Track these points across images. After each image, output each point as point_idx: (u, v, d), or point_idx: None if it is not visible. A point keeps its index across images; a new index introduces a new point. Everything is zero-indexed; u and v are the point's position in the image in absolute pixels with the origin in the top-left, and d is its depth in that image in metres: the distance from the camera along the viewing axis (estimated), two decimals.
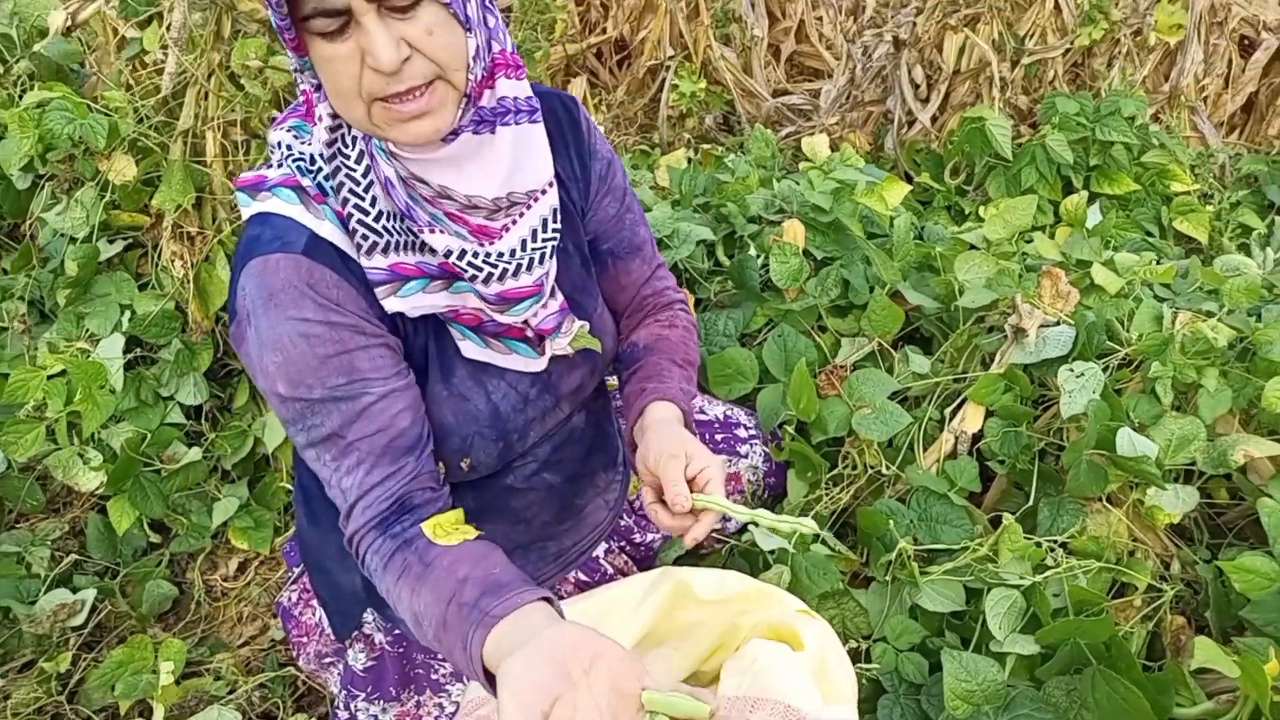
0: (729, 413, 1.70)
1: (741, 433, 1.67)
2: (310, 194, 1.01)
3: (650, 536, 1.60)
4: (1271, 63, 2.92)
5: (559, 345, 1.17)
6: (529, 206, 1.08)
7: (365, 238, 1.01)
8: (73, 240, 1.86)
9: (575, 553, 1.43)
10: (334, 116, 0.98)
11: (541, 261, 1.11)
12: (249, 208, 1.04)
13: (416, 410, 1.07)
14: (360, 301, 1.02)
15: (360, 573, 1.32)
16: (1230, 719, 1.24)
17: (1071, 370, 1.53)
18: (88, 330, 1.87)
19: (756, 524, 1.28)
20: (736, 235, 2.08)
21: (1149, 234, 2.43)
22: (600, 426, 1.40)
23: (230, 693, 1.66)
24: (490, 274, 1.05)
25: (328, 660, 1.52)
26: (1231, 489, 1.61)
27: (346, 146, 0.99)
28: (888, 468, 1.63)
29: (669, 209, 2.10)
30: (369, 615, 1.38)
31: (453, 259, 1.03)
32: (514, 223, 1.08)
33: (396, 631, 1.38)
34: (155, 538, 1.97)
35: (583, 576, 1.47)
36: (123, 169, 1.83)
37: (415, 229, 1.01)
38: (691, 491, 1.10)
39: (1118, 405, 1.51)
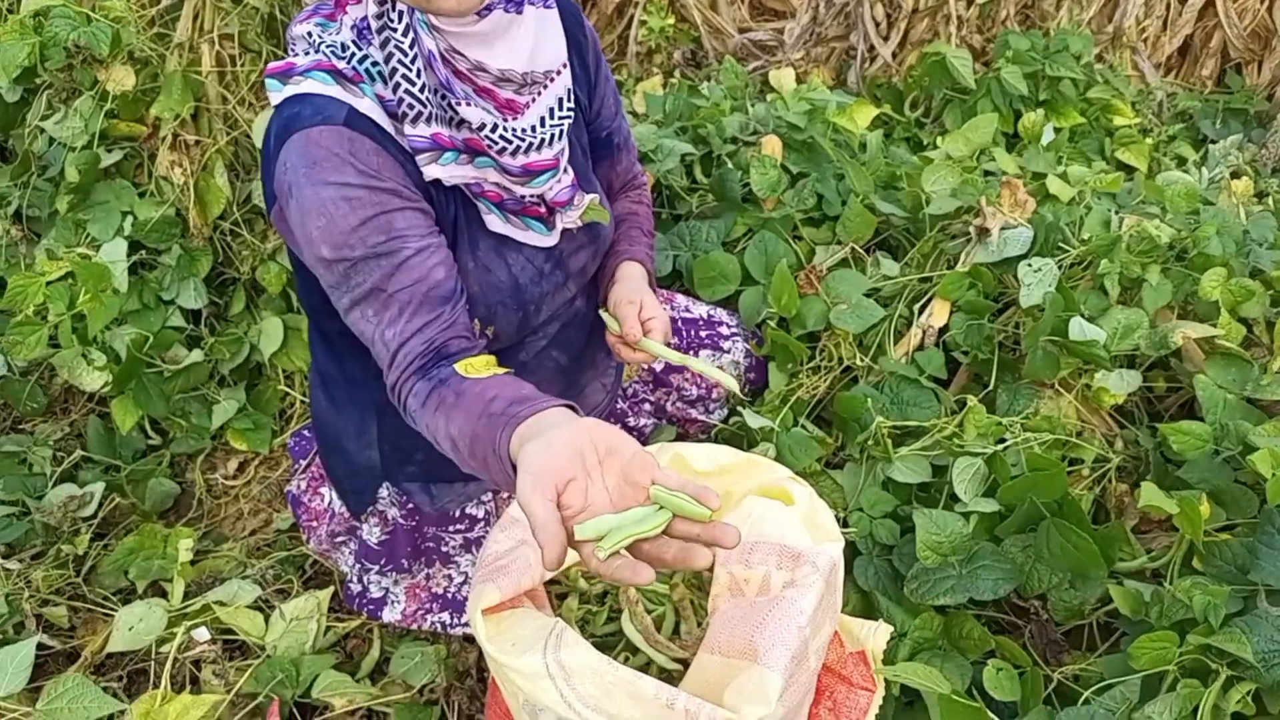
0: (712, 312, 1.82)
1: (724, 330, 1.79)
2: (347, 75, 1.08)
3: (643, 422, 1.72)
4: (1206, 7, 3.09)
5: (570, 218, 1.28)
6: (546, 86, 1.18)
7: (411, 106, 1.08)
8: (71, 149, 1.89)
9: (598, 413, 1.54)
10: None
11: (561, 137, 1.21)
12: (280, 92, 1.10)
13: (450, 266, 1.16)
14: (398, 170, 1.10)
15: (377, 449, 1.41)
16: (1168, 560, 1.41)
17: (1030, 265, 1.67)
18: (88, 236, 1.91)
19: (687, 366, 1.42)
20: (714, 154, 2.19)
21: (1092, 164, 2.59)
22: (599, 312, 1.51)
23: (242, 574, 1.75)
24: (517, 147, 1.15)
25: (340, 539, 1.62)
26: (1169, 377, 1.77)
27: (394, 21, 1.06)
28: (861, 359, 1.76)
29: (653, 128, 2.20)
30: (384, 491, 1.47)
31: (484, 132, 1.12)
32: (534, 99, 1.17)
33: (410, 505, 1.47)
34: (155, 439, 2.03)
35: None
36: (121, 79, 1.87)
37: (453, 102, 1.10)
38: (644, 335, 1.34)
39: (1071, 298, 1.66)
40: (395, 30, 1.07)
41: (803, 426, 1.69)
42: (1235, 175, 2.38)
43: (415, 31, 1.07)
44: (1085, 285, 1.74)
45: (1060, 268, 1.71)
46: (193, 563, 1.74)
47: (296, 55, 1.12)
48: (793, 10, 3.23)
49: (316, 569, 1.82)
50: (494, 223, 1.22)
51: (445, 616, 1.53)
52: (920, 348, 1.77)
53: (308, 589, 1.75)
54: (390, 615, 1.53)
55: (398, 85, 1.08)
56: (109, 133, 1.94)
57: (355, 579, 1.56)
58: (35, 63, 1.83)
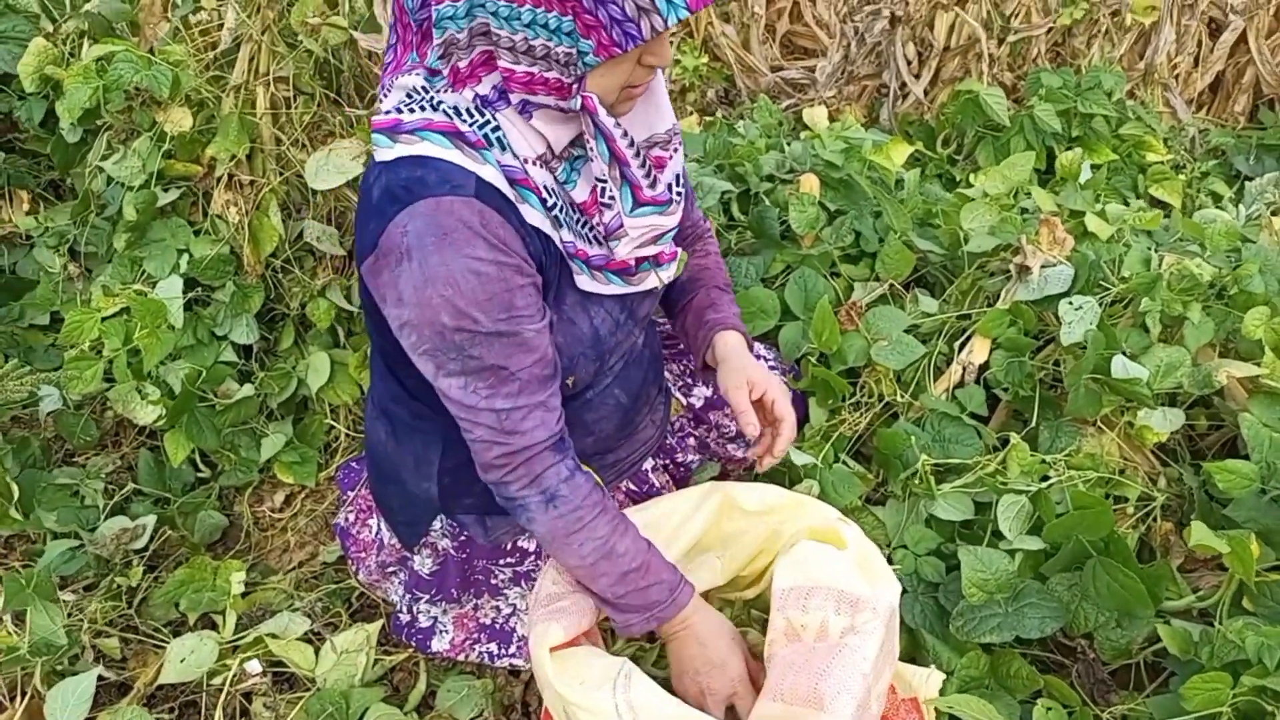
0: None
1: (765, 364, 1.81)
2: (469, 140, 1.10)
3: (690, 458, 1.74)
4: (1238, 44, 3.12)
5: (667, 274, 1.32)
6: (675, 148, 1.27)
7: (612, 197, 1.17)
8: (129, 188, 1.95)
9: (628, 464, 1.56)
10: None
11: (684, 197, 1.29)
12: (389, 150, 1.11)
13: (557, 341, 1.21)
14: (519, 244, 1.13)
15: (436, 482, 1.43)
16: (1216, 599, 1.40)
17: (1071, 303, 1.69)
18: (144, 273, 1.97)
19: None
20: (751, 192, 2.22)
21: (1127, 201, 2.60)
22: (654, 349, 1.55)
23: (292, 606, 1.77)
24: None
25: (390, 569, 1.64)
26: (1211, 415, 1.77)
27: (618, 129, 1.12)
28: (902, 396, 1.78)
29: (693, 165, 2.24)
30: (437, 523, 1.50)
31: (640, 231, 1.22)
32: (672, 155, 1.26)
33: (462, 537, 1.50)
34: (204, 472, 2.07)
35: (632, 486, 1.60)
36: (179, 120, 1.93)
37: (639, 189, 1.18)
38: (765, 409, 1.42)
39: (1112, 336, 1.67)
40: (619, 131, 1.12)
41: (844, 463, 1.71)
42: (1275, 212, 2.39)
43: (607, 140, 1.12)
44: (1126, 323, 1.75)
45: (1100, 305, 1.72)
46: (243, 595, 1.76)
47: (401, 111, 1.13)
48: (824, 49, 3.28)
49: (363, 601, 1.84)
50: (584, 281, 1.24)
51: (493, 647, 1.55)
52: (960, 384, 1.79)
53: (355, 621, 1.77)
54: (439, 645, 1.55)
55: (606, 184, 1.16)
56: (166, 172, 2.00)
57: (405, 609, 1.58)
58: (97, 104, 1.90)
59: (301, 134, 2.05)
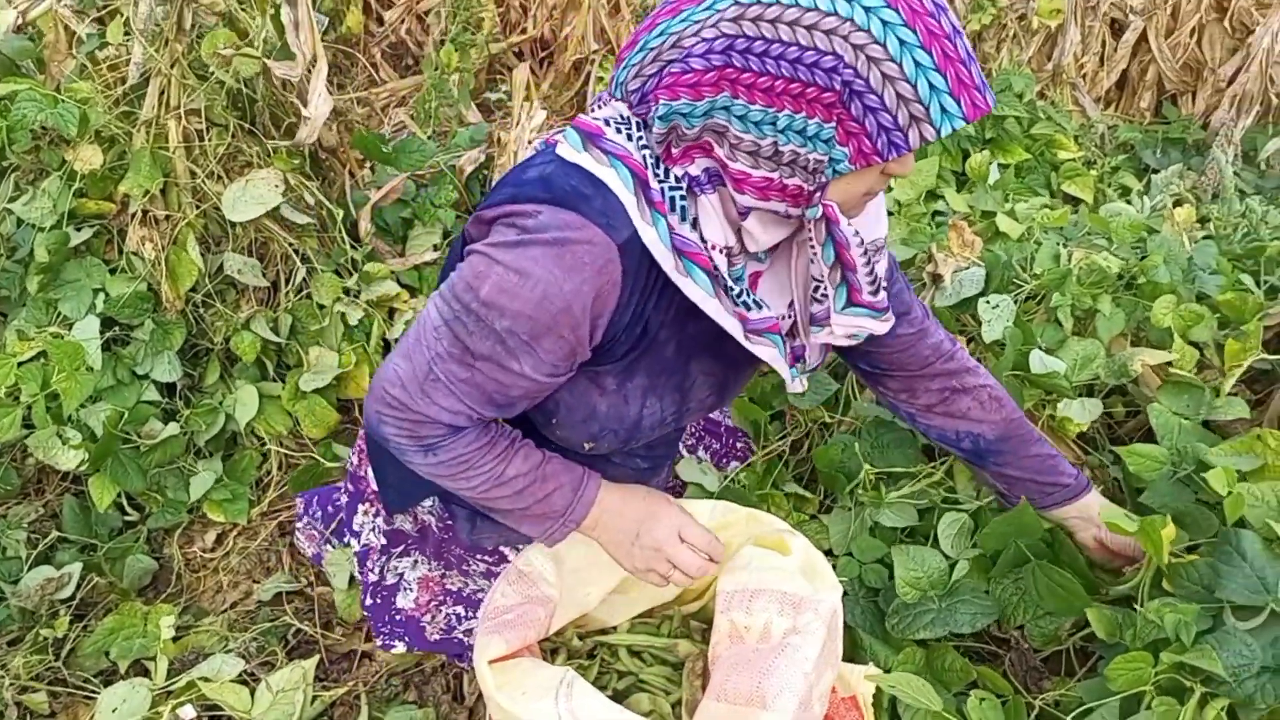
0: None
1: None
2: (652, 197, 1.06)
3: None
4: (1139, 42, 3.24)
5: (798, 383, 1.26)
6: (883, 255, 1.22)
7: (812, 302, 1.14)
8: (40, 229, 1.91)
9: None
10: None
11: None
12: (575, 153, 1.08)
13: (533, 398, 1.16)
14: (608, 311, 1.10)
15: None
16: (1137, 582, 1.44)
17: (988, 302, 1.73)
18: (60, 315, 1.92)
19: None
20: None
21: (1040, 195, 2.68)
22: (680, 430, 1.55)
23: (225, 647, 1.74)
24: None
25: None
26: (1127, 402, 1.83)
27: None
28: (831, 416, 1.80)
29: None
30: (428, 502, 1.47)
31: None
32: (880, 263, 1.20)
33: (448, 522, 1.47)
34: (131, 515, 2.02)
35: None
36: (89, 158, 1.89)
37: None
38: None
39: (1029, 332, 1.72)
40: (817, 247, 1.08)
41: (780, 489, 1.73)
42: (1178, 203, 2.48)
43: (837, 240, 1.08)
44: (1041, 319, 1.80)
45: (1016, 302, 1.77)
46: (174, 639, 1.72)
47: (609, 124, 1.08)
48: None
49: (300, 638, 1.81)
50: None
51: (459, 610, 1.54)
52: None
53: (292, 659, 1.74)
54: (403, 601, 1.54)
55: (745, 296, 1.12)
56: (78, 211, 1.95)
57: (375, 569, 1.57)
58: (2, 146, 1.85)
59: (217, 166, 2.02)
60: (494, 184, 1.19)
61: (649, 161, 1.06)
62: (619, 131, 1.08)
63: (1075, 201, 2.73)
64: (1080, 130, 3.06)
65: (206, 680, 1.58)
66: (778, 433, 1.84)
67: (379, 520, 1.60)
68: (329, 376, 2.11)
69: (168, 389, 2.06)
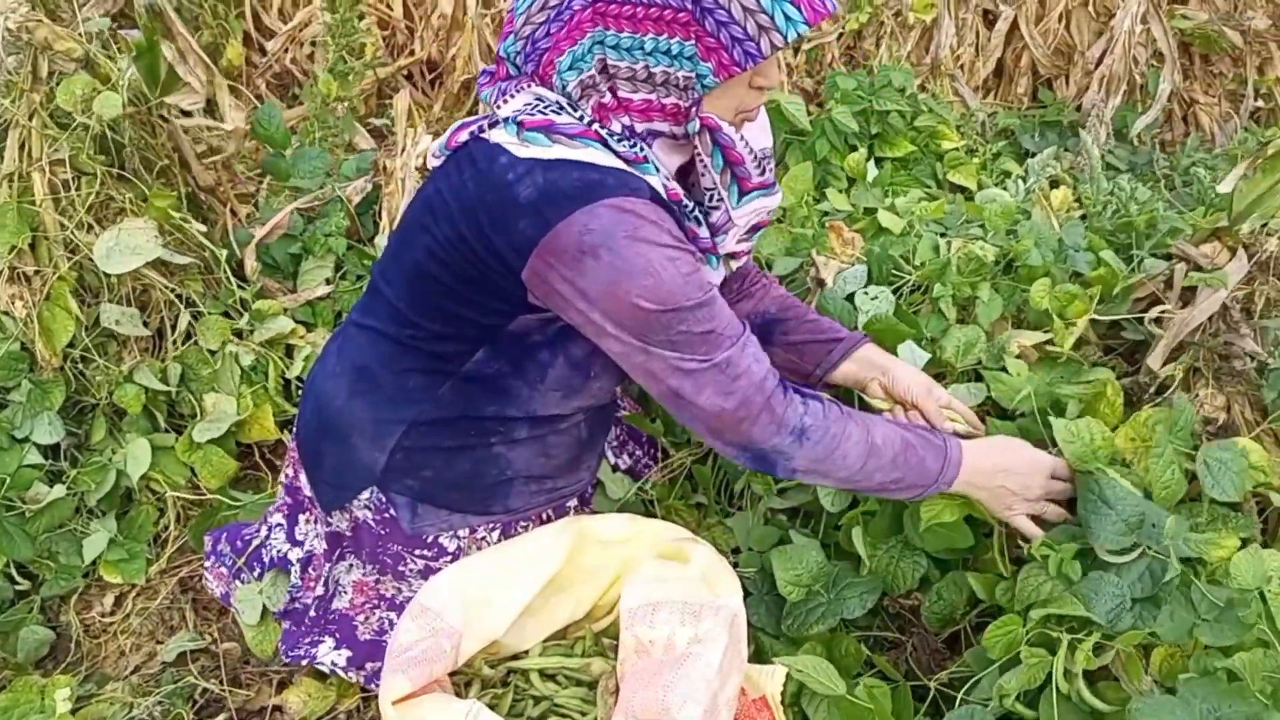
0: None
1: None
2: (628, 158, 1.17)
3: None
4: (1012, 31, 3.35)
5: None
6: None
7: (707, 213, 1.27)
8: None
9: (558, 495, 1.55)
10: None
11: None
12: (547, 149, 1.15)
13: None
14: (684, 236, 1.22)
15: (387, 455, 1.41)
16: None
17: (866, 293, 1.77)
18: None
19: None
20: None
21: (928, 187, 2.75)
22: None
23: (129, 715, 1.68)
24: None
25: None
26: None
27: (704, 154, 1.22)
28: None
29: None
30: (367, 493, 1.44)
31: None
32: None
33: (385, 514, 1.45)
34: (23, 585, 1.94)
35: (550, 514, 1.58)
36: None
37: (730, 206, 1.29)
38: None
39: (911, 322, 1.76)
40: (702, 151, 1.21)
41: (685, 500, 1.74)
42: (1055, 185, 2.57)
43: (722, 149, 1.22)
44: (926, 309, 1.84)
45: (899, 295, 1.81)
46: (75, 711, 1.65)
47: (546, 113, 1.16)
48: None
49: (208, 698, 1.76)
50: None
51: (393, 615, 1.53)
52: None
53: (199, 719, 1.69)
54: (339, 603, 1.54)
55: (712, 193, 1.26)
56: None
57: (317, 574, 1.58)
58: None
59: (87, 216, 1.95)
60: (454, 200, 1.23)
61: (608, 134, 1.16)
62: (559, 114, 1.16)
63: (963, 190, 2.81)
64: (961, 120, 3.15)
65: None
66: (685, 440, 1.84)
67: (320, 526, 1.59)
68: (226, 424, 2.05)
69: (51, 450, 1.98)
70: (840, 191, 2.32)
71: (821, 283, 1.82)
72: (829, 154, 2.80)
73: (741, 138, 1.23)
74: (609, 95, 1.17)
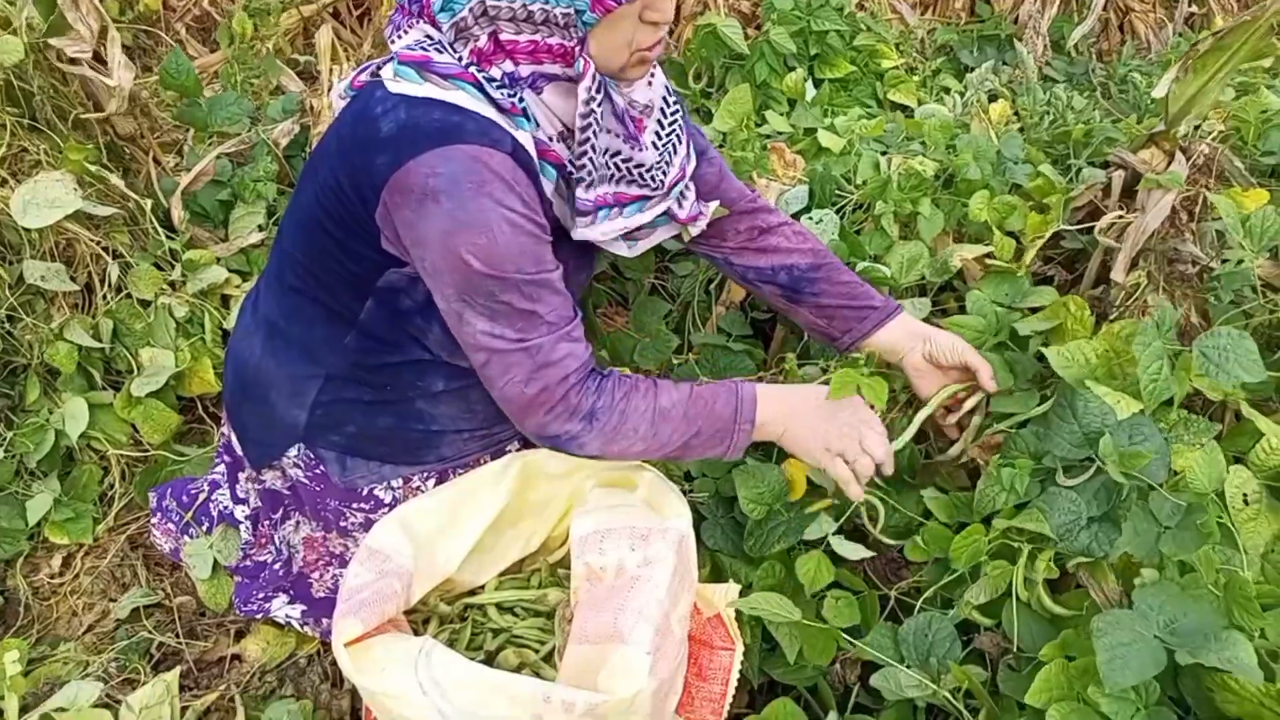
0: None
1: None
2: (503, 106, 1.13)
3: None
4: None
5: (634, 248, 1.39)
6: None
7: (590, 172, 1.21)
8: None
9: (494, 441, 1.53)
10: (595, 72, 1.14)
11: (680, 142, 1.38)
12: (417, 86, 1.12)
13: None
14: (541, 207, 1.18)
15: (308, 411, 1.39)
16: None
17: (812, 218, 1.76)
18: None
19: None
20: None
21: (868, 106, 2.73)
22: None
23: (84, 673, 1.66)
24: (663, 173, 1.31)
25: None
26: (958, 297, 1.89)
27: (595, 90, 1.15)
28: (678, 359, 1.82)
29: None
30: (293, 450, 1.43)
31: (649, 171, 1.28)
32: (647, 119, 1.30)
33: (317, 470, 1.43)
34: None
35: (488, 458, 1.55)
36: None
37: (634, 150, 1.25)
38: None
39: (855, 242, 1.76)
40: (595, 98, 1.15)
41: None
42: (994, 99, 2.56)
43: (610, 98, 1.18)
44: (869, 227, 1.84)
45: (843, 215, 1.80)
46: (26, 673, 1.63)
47: (428, 50, 1.13)
48: None
49: (164, 651, 1.74)
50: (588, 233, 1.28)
51: (344, 572, 1.50)
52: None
53: (158, 674, 1.67)
54: (296, 564, 1.54)
55: (584, 153, 1.19)
56: None
57: (266, 530, 1.57)
58: None
59: (3, 169, 1.87)
60: (335, 141, 1.21)
61: (485, 78, 1.12)
62: (440, 52, 1.13)
63: (904, 108, 2.79)
64: (900, 38, 3.12)
65: (63, 710, 1.51)
66: None
67: (257, 484, 1.58)
68: (164, 377, 2.00)
69: None
70: (781, 114, 2.29)
71: None
72: (768, 77, 2.76)
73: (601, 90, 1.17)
74: (488, 40, 1.13)
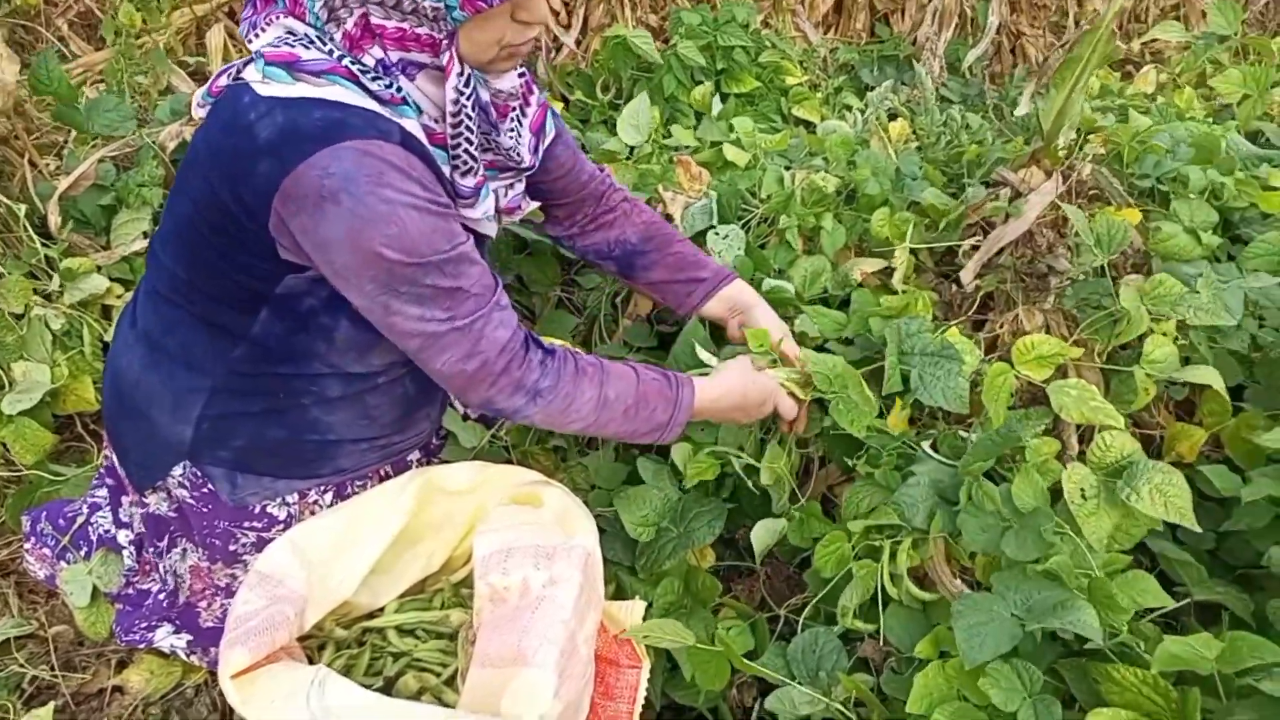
0: None
1: None
2: (383, 97, 1.10)
3: None
4: None
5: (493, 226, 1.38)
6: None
7: (466, 162, 1.20)
8: None
9: (395, 451, 1.49)
10: (461, 64, 1.13)
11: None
12: (289, 86, 1.08)
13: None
14: (440, 186, 1.17)
15: (193, 426, 1.33)
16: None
17: (718, 233, 1.77)
18: None
19: None
20: None
21: (773, 122, 2.77)
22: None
23: None
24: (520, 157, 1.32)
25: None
26: None
27: (464, 84, 1.14)
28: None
29: None
30: (178, 469, 1.36)
31: (511, 150, 1.29)
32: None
33: (204, 489, 1.36)
34: None
35: (389, 470, 1.52)
36: None
37: (495, 136, 1.25)
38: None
39: (761, 257, 1.77)
40: (464, 92, 1.14)
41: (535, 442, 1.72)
42: (894, 117, 2.63)
43: (476, 91, 1.17)
44: (774, 241, 1.85)
45: (748, 229, 1.81)
46: None
47: (294, 46, 1.09)
48: None
49: (38, 685, 1.64)
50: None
51: (230, 602, 1.45)
52: None
53: (31, 709, 1.57)
54: (183, 595, 1.49)
55: (459, 144, 1.18)
56: None
57: (150, 555, 1.51)
58: None
59: None
60: (207, 151, 1.16)
61: (359, 70, 1.10)
62: (307, 47, 1.09)
63: (807, 124, 2.85)
64: (804, 55, 3.18)
65: None
66: None
67: (139, 509, 1.50)
68: (39, 394, 1.89)
69: None
70: (687, 128, 2.31)
71: (669, 218, 1.81)
72: (675, 90, 2.79)
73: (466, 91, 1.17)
74: (358, 22, 1.10)
